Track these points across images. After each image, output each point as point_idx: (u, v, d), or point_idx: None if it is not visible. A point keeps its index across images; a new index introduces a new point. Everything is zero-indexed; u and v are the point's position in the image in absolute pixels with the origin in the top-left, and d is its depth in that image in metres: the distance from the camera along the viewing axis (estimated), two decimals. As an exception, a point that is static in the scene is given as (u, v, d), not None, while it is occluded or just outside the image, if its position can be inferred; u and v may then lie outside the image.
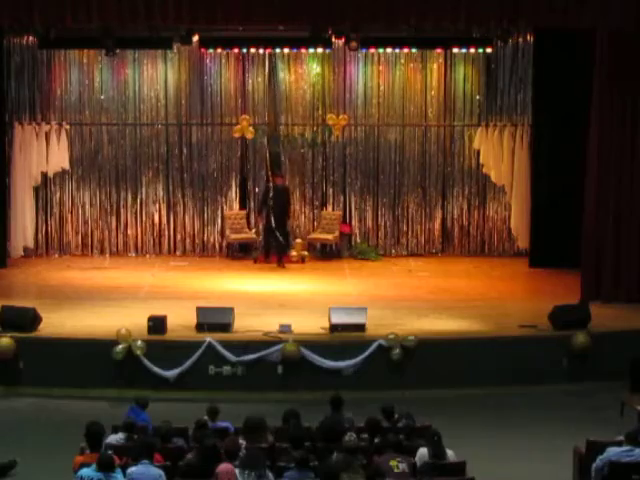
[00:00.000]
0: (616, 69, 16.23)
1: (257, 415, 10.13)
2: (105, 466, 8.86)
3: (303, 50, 19.82)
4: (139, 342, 14.20)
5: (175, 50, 19.59)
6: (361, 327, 14.79)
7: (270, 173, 19.97)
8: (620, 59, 16.16)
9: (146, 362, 14.18)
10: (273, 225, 19.12)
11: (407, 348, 14.38)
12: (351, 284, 18.31)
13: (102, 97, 20.22)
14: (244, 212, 20.45)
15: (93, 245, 20.49)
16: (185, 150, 20.40)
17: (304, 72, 20.30)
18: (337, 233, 20.33)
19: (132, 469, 9.05)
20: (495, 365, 14.42)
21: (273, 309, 16.07)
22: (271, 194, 19.25)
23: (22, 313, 14.72)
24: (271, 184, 19.59)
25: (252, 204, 20.47)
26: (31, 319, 14.65)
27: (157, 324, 14.54)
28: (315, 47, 19.32)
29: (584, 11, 15.65)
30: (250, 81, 20.24)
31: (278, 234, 19.12)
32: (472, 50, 19.77)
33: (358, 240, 20.64)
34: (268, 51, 19.88)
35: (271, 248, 19.36)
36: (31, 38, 19.46)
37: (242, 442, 9.71)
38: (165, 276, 18.83)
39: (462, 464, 9.76)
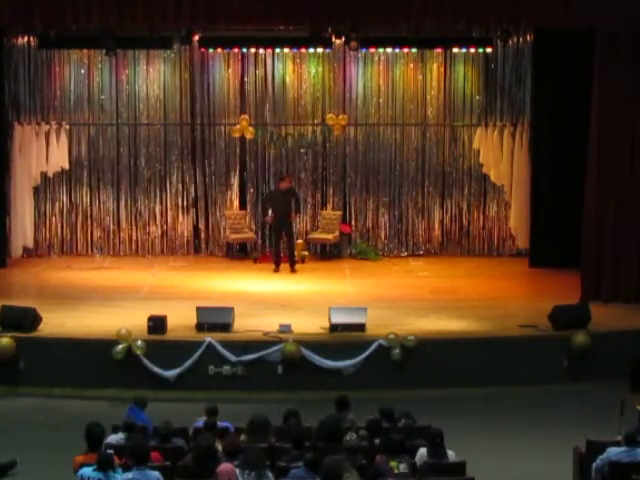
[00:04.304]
0: (616, 69, 16.23)
1: (262, 415, 10.14)
2: (105, 466, 8.85)
3: (303, 50, 19.85)
4: (139, 342, 14.21)
5: (175, 50, 19.62)
6: (361, 327, 14.79)
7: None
8: (620, 59, 16.16)
9: (146, 362, 14.19)
10: (277, 228, 19.15)
11: (407, 348, 14.38)
12: (351, 284, 18.31)
13: (102, 97, 20.22)
14: (244, 212, 20.46)
15: (93, 245, 20.50)
16: (185, 150, 20.40)
17: (304, 72, 20.31)
18: (337, 233, 20.33)
19: (128, 476, 8.96)
20: (495, 365, 14.42)
21: (273, 309, 16.07)
22: (270, 201, 19.31)
23: (22, 313, 14.73)
24: (272, 190, 19.69)
25: (251, 204, 20.51)
26: (31, 319, 14.65)
27: (157, 324, 14.55)
28: (315, 47, 19.38)
29: (584, 11, 15.65)
30: (250, 81, 20.25)
31: (285, 237, 19.11)
32: (472, 50, 19.82)
33: (358, 240, 20.65)
34: (268, 51, 19.91)
35: (280, 256, 19.20)
36: (31, 38, 19.49)
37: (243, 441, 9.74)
38: (165, 276, 18.83)
39: (462, 464, 9.76)
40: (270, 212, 19.30)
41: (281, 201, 19.01)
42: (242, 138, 20.28)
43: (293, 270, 19.01)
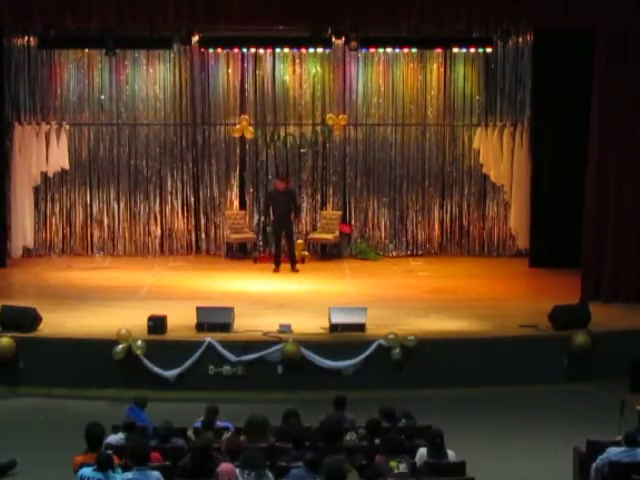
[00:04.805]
0: (616, 69, 16.22)
1: (260, 415, 10.14)
2: (104, 466, 8.85)
3: (303, 50, 19.85)
4: (139, 342, 14.20)
5: (175, 50, 19.62)
6: (361, 327, 14.79)
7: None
8: (620, 59, 16.16)
9: (146, 362, 14.19)
10: (276, 228, 19.15)
11: (407, 348, 14.38)
12: (351, 284, 18.30)
13: (102, 97, 20.23)
14: (244, 212, 20.46)
15: (93, 245, 20.50)
16: (185, 150, 20.40)
17: (304, 72, 20.31)
18: (337, 233, 20.33)
19: (128, 476, 8.95)
20: (495, 365, 14.41)
21: (273, 309, 16.07)
22: (270, 200, 19.28)
23: (22, 313, 14.72)
24: (272, 189, 19.66)
25: (252, 204, 20.51)
26: (31, 319, 14.65)
27: (157, 324, 14.55)
28: (315, 47, 19.38)
29: (584, 11, 15.65)
30: (250, 81, 20.25)
31: (284, 236, 19.10)
32: (472, 50, 19.83)
33: (358, 240, 20.65)
34: (268, 51, 19.91)
35: (281, 256, 19.20)
36: (31, 38, 19.50)
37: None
38: (165, 276, 18.83)
39: (462, 464, 9.76)
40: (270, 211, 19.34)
41: (281, 201, 19.01)
42: (242, 138, 20.29)
43: (294, 269, 19.00)
